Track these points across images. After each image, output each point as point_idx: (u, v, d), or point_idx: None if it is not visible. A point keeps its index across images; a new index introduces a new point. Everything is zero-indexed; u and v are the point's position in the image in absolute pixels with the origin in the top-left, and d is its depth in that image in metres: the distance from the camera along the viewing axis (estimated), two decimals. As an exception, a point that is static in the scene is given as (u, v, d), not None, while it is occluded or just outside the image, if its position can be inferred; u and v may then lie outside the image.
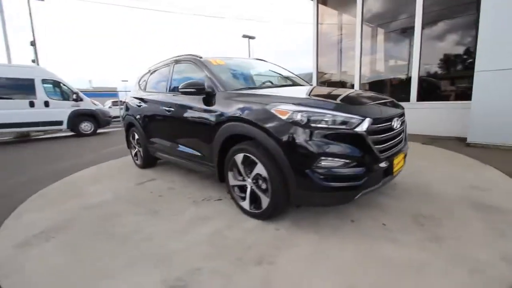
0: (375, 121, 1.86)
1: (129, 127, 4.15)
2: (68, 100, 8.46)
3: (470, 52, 5.00)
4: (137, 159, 4.12)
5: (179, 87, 2.55)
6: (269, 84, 3.11)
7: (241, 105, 2.16)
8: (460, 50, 5.33)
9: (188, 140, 2.84)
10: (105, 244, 1.99)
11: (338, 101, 2.03)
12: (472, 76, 4.25)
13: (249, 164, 2.13)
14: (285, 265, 1.61)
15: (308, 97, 2.23)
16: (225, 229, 2.08)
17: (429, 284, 1.40)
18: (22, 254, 1.91)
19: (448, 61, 5.48)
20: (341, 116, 1.79)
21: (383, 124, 1.95)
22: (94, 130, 8.97)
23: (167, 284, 1.51)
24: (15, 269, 1.73)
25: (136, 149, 4.05)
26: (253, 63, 3.46)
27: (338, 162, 1.76)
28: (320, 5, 6.90)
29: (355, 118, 1.80)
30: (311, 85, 3.36)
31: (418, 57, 5.37)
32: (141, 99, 3.69)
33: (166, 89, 3.23)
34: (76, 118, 8.54)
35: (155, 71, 3.70)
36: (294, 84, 3.18)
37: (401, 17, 6.09)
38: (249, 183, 2.18)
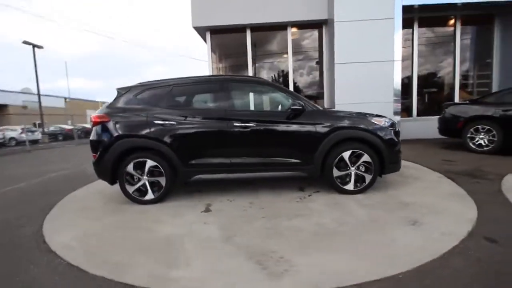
0: None
1: (125, 155, 3.16)
2: None
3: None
4: (141, 195, 3.21)
5: (295, 105, 3.03)
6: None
7: (347, 119, 3.20)
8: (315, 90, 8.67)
9: (280, 150, 3.19)
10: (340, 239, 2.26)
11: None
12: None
13: (353, 157, 3.19)
14: (419, 200, 2.96)
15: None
16: (359, 202, 2.99)
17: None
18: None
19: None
20: (395, 122, 3.45)
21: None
22: None
23: (409, 222, 2.40)
24: None
25: (144, 181, 3.19)
26: None
27: (399, 145, 3.38)
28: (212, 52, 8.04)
29: (395, 123, 3.52)
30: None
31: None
32: (176, 117, 3.16)
33: (227, 106, 3.22)
34: None
35: (182, 87, 3.30)
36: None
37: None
38: (352, 170, 3.21)
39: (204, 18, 7.54)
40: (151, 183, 3.22)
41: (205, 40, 8.36)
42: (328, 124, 3.17)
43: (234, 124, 3.14)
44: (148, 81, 3.45)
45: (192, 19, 7.54)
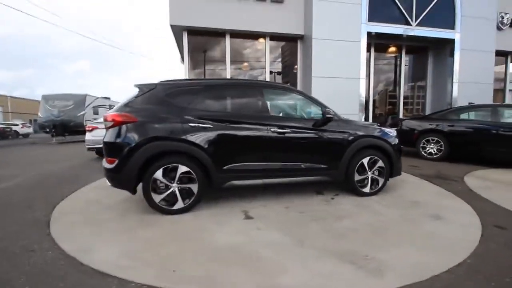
0: None
1: (153, 159, 2.84)
2: None
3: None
4: (168, 204, 2.92)
5: (329, 113, 3.22)
6: None
7: (366, 128, 3.57)
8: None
9: (313, 156, 3.33)
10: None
11: None
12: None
13: (371, 163, 3.57)
14: (422, 198, 3.49)
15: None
16: (379, 203, 3.36)
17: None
18: None
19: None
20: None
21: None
22: None
23: (433, 217, 2.84)
24: None
25: (174, 188, 2.91)
26: None
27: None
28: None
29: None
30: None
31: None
32: (213, 120, 3.00)
33: (263, 111, 3.23)
34: None
35: (215, 89, 3.15)
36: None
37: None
38: (369, 175, 3.59)
39: (183, 17, 7.22)
40: (180, 191, 2.97)
41: (178, 41, 8.01)
42: (352, 132, 3.49)
43: (272, 129, 3.17)
44: (175, 79, 3.20)
45: (170, 16, 7.12)
